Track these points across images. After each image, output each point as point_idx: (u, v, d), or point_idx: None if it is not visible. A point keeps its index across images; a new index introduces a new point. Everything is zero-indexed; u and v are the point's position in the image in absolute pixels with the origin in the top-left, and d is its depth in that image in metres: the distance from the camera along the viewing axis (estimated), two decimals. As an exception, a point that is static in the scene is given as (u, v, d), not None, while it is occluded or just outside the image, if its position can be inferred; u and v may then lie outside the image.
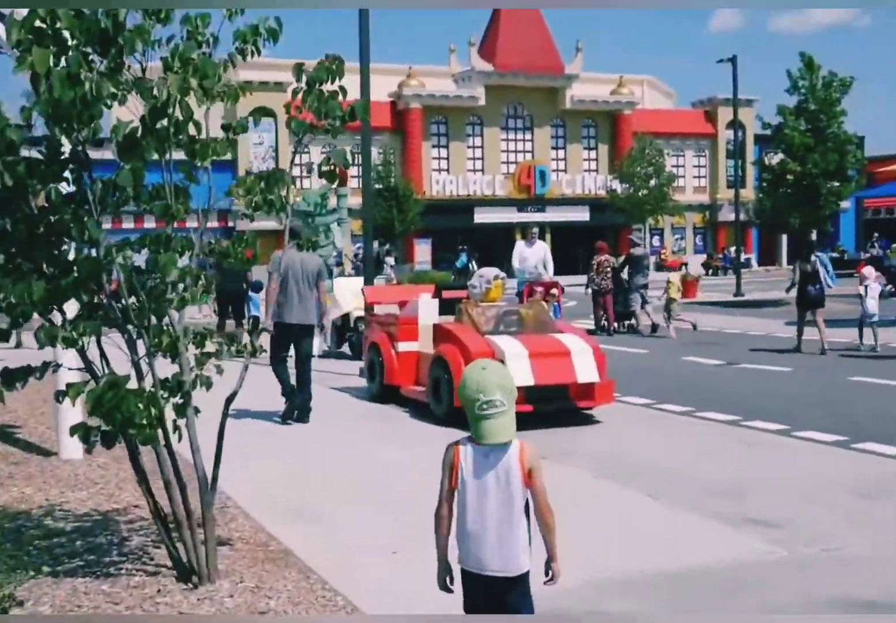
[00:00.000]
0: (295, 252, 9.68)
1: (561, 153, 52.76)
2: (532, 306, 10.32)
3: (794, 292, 15.66)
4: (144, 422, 4.55)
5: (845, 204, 31.11)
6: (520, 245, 17.73)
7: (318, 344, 15.81)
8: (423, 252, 48.09)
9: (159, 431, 4.67)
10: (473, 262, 41.35)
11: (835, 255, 45.22)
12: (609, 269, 19.11)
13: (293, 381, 9.98)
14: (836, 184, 26.66)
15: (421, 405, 10.00)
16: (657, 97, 63.50)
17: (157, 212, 4.67)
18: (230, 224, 45.44)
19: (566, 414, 9.46)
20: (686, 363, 14.25)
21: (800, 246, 16.89)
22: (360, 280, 15.72)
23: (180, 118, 4.43)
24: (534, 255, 17.11)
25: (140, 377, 4.72)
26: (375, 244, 43.19)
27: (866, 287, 15.31)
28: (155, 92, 4.43)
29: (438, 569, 3.38)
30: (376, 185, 43.39)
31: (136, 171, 4.53)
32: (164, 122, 4.43)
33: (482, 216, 50.15)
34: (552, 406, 9.31)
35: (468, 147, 50.75)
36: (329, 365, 14.50)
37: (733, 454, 7.96)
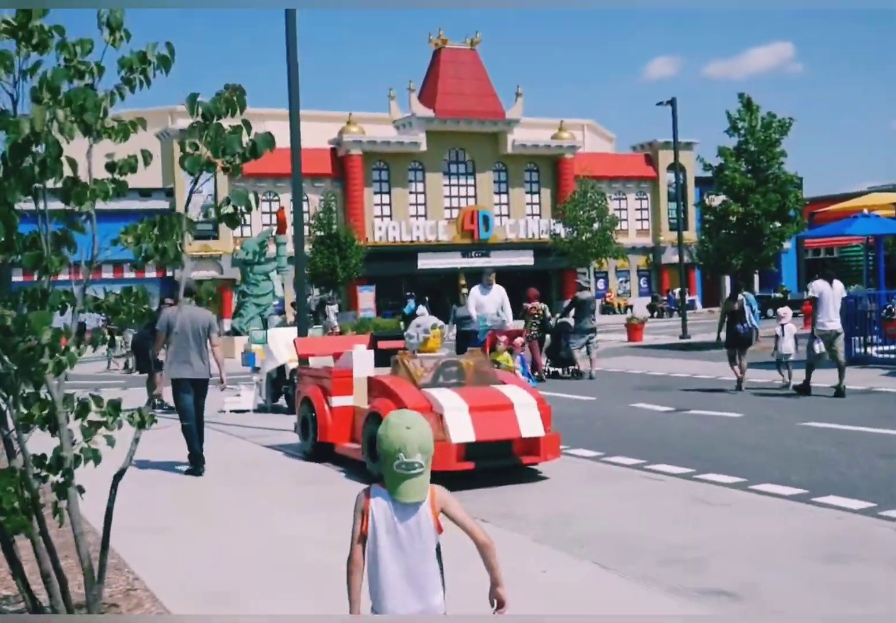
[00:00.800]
0: (184, 308, 9.77)
1: (504, 198, 52.71)
2: (473, 356, 9.77)
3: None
4: (15, 506, 3.92)
5: (787, 244, 31.07)
6: (475, 291, 16.48)
7: (252, 398, 15.16)
8: (366, 299, 47.53)
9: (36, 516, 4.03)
10: (424, 308, 40.88)
11: (778, 295, 45.40)
12: (538, 316, 18.69)
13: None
14: (779, 224, 26.59)
15: (357, 464, 9.38)
16: (598, 141, 64.06)
17: (27, 263, 4.08)
18: (169, 274, 44.58)
19: (510, 471, 8.90)
20: (635, 410, 13.78)
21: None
22: (294, 331, 15.14)
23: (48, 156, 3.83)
24: (491, 302, 16.10)
25: (10, 455, 4.09)
26: (316, 292, 42.62)
27: (783, 327, 15.76)
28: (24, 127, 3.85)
29: (351, 611, 3.32)
30: (318, 233, 42.92)
31: (3, 217, 3.94)
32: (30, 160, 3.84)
33: (426, 262, 49.79)
34: (495, 462, 8.74)
35: (410, 193, 50.48)
36: (263, 420, 13.84)
37: (688, 514, 7.43)
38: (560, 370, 19.46)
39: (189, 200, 4.35)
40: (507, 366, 13.77)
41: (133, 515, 7.49)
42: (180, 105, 42.14)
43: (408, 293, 40.07)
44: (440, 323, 9.85)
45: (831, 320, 14.36)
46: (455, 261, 50.39)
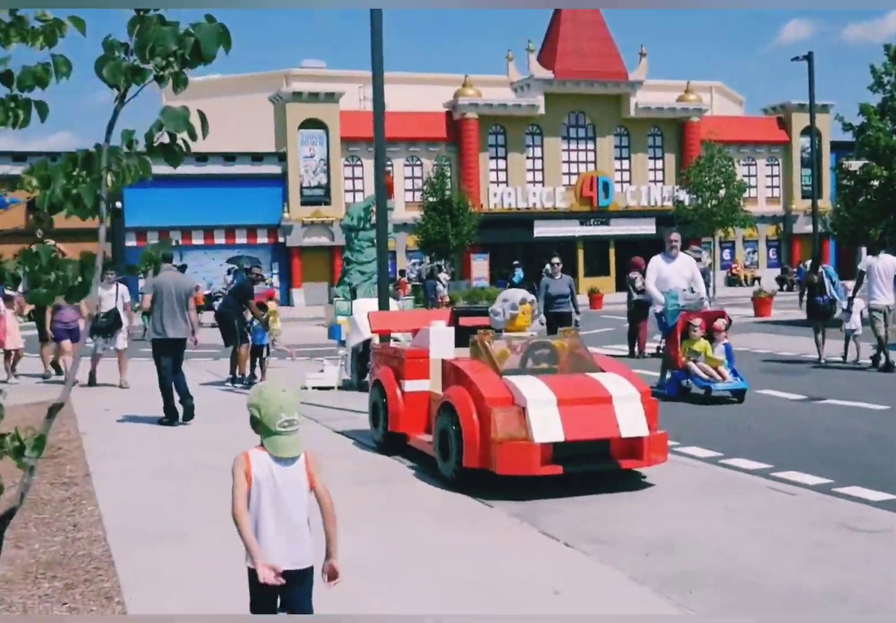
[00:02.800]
0: (168, 273, 10.97)
1: (625, 163, 50.45)
2: (567, 337, 8.29)
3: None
4: None
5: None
6: (656, 261, 13.08)
7: (336, 374, 13.99)
8: (480, 268, 46.19)
9: None
10: (519, 273, 39.15)
11: None
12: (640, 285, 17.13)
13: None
14: (927, 190, 24.15)
15: (432, 460, 8.06)
16: (726, 104, 60.97)
17: None
18: (280, 239, 44.04)
19: (605, 476, 7.44)
20: (760, 398, 12.07)
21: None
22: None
23: None
24: (677, 274, 12.87)
25: None
26: (427, 259, 41.45)
27: (850, 301, 15.52)
28: None
29: (256, 557, 3.53)
30: (430, 198, 41.65)
31: None
32: None
33: (542, 230, 48.06)
34: (587, 467, 7.30)
35: (527, 158, 48.71)
36: (344, 399, 12.62)
37: (828, 545, 5.85)
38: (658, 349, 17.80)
39: (112, 127, 3.00)
40: (709, 357, 12.04)
41: (148, 519, 6.41)
42: (296, 68, 41.26)
43: (515, 262, 38.54)
44: (530, 297, 8.40)
45: (882, 295, 14.44)
46: (573, 229, 48.53)
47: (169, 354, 10.83)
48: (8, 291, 15.23)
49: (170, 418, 10.85)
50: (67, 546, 6.16)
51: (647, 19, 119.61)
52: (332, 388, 13.83)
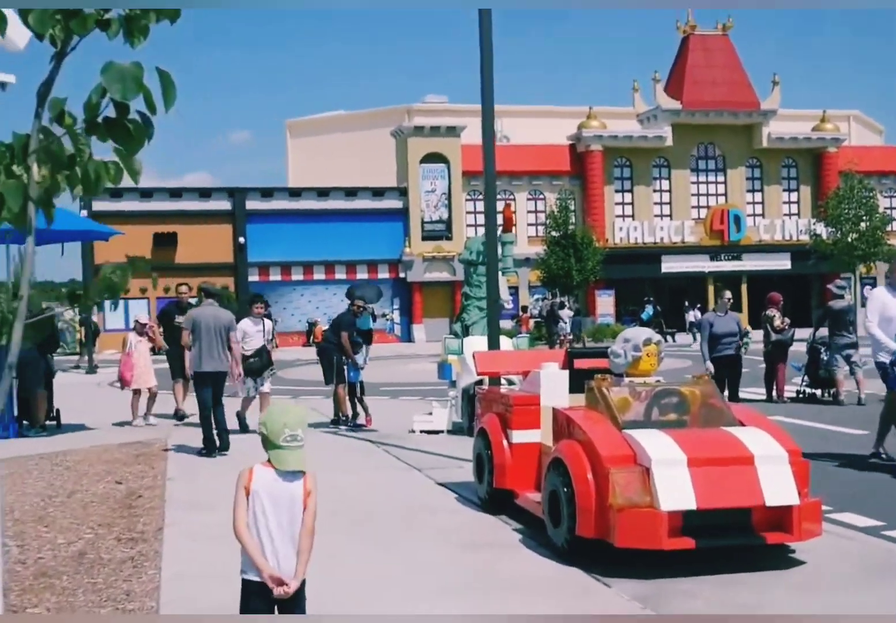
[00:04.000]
0: (207, 308, 11.36)
1: (757, 196, 48.60)
2: (700, 384, 7.15)
3: None
4: None
5: None
6: (881, 295, 10.47)
7: (445, 417, 13.05)
8: (605, 304, 44.86)
9: None
10: (650, 310, 37.62)
11: None
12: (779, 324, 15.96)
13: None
14: None
15: (542, 522, 7.01)
16: (865, 133, 58.46)
17: None
18: (401, 274, 43.61)
19: (744, 552, 6.26)
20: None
21: None
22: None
23: None
24: None
25: None
26: (549, 296, 40.35)
27: None
28: None
29: (263, 569, 3.76)
30: (553, 233, 40.67)
31: None
32: None
33: (670, 265, 46.52)
34: (724, 541, 6.13)
35: (654, 191, 47.38)
36: (452, 446, 11.66)
37: None
38: (818, 392, 16.28)
39: (44, 97, 2.11)
40: None
41: (211, 593, 5.54)
42: (418, 103, 41.16)
43: (646, 298, 37.11)
44: (656, 337, 7.29)
45: None
46: (702, 264, 46.86)
47: (209, 387, 11.07)
48: (141, 320, 14.52)
49: (208, 450, 10.99)
50: (112, 620, 5.35)
51: (779, 44, 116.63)
52: (441, 432, 12.90)
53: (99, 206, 40.17)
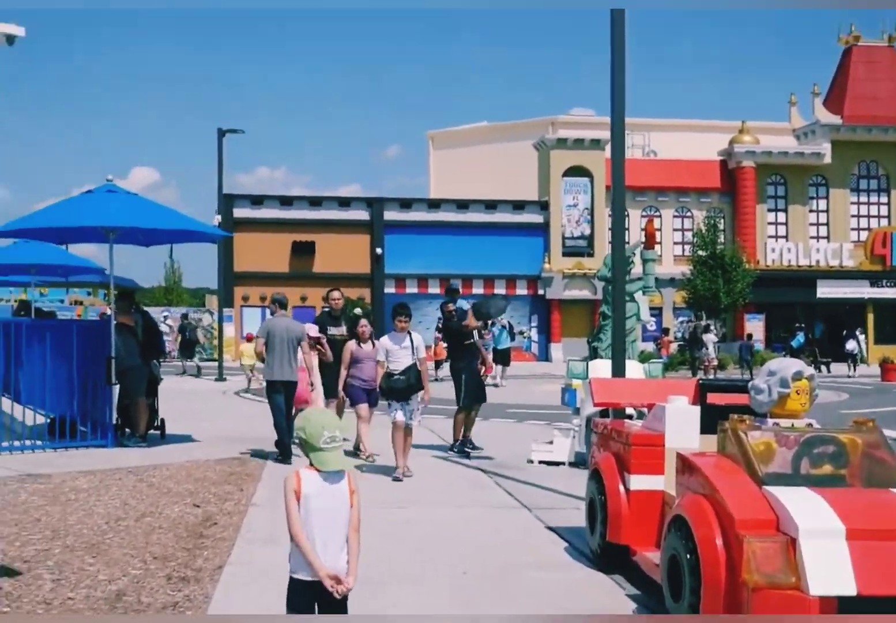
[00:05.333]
0: (281, 319, 11.57)
1: (924, 218, 45.50)
2: (863, 430, 5.82)
3: None
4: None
5: None
6: None
7: (567, 447, 11.88)
8: (754, 329, 42.57)
9: None
10: (800, 338, 35.33)
11: None
12: None
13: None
14: None
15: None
16: None
17: None
18: (540, 291, 42.47)
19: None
20: None
21: None
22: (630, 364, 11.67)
23: None
24: None
25: None
26: (695, 318, 38.45)
27: None
28: None
29: (320, 569, 3.84)
30: (700, 252, 38.82)
31: None
32: None
33: (826, 290, 43.89)
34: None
35: (810, 211, 44.85)
36: (574, 481, 10.44)
37: None
38: None
39: None
40: None
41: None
42: (563, 116, 39.94)
43: (797, 324, 34.88)
44: (809, 370, 6.01)
45: None
46: (862, 290, 44.08)
47: (281, 395, 11.36)
48: (311, 333, 12.05)
49: (283, 456, 11.18)
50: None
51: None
52: (562, 463, 11.73)
53: (239, 213, 40.44)
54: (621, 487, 6.57)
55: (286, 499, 3.92)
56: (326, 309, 13.03)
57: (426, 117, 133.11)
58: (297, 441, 3.99)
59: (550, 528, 8.09)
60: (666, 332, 37.22)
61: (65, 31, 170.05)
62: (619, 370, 9.03)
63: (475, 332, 12.87)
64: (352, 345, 11.45)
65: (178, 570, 6.37)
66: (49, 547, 6.73)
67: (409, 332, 10.58)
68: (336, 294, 12.70)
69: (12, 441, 11.64)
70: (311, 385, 11.86)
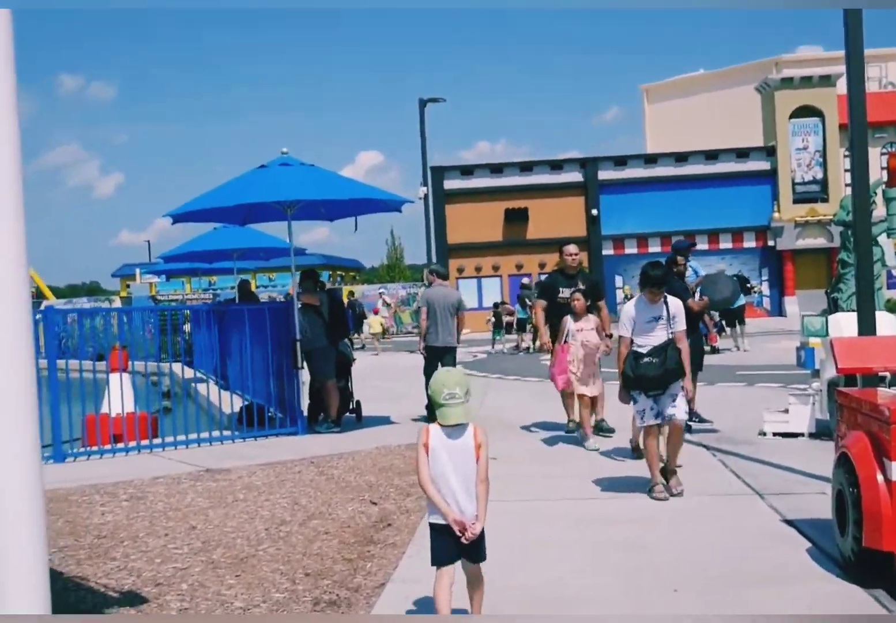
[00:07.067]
0: (439, 288, 12.14)
1: None
2: None
3: None
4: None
5: None
6: None
7: (807, 415, 10.20)
8: None
9: None
10: None
11: None
12: None
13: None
14: None
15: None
16: None
17: None
18: (770, 243, 39.61)
19: None
20: None
21: None
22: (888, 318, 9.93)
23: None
24: None
25: None
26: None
27: None
28: None
29: (448, 514, 4.19)
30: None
31: None
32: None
33: None
34: None
35: None
36: (817, 455, 8.85)
37: None
38: None
39: None
40: None
41: None
42: (787, 55, 36.80)
43: None
44: None
45: None
46: None
47: (438, 360, 11.62)
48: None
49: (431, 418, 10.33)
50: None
51: None
52: (801, 435, 10.07)
53: (450, 184, 39.77)
54: (880, 478, 5.03)
55: (418, 451, 4.28)
56: (558, 268, 11.38)
57: (641, 71, 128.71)
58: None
59: (788, 522, 6.58)
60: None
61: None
62: (866, 325, 7.34)
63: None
64: (567, 320, 10.02)
65: (331, 590, 5.35)
66: (191, 564, 5.87)
67: (665, 297, 7.68)
68: (572, 247, 10.71)
69: (199, 433, 11.10)
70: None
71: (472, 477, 4.22)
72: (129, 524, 6.97)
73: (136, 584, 5.49)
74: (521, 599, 5.07)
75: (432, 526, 4.28)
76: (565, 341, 9.91)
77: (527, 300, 26.16)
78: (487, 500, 4.26)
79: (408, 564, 5.80)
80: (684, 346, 7.57)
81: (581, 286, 10.33)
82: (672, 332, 7.54)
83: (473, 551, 4.26)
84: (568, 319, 9.98)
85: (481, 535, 4.24)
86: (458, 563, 4.31)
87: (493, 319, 27.73)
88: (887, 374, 7.97)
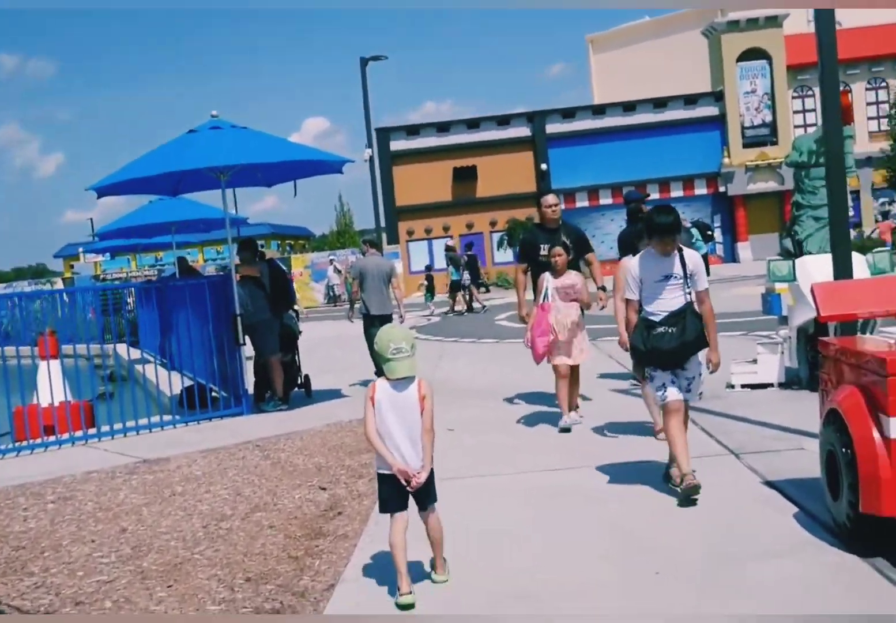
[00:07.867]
0: (372, 257, 12.52)
1: None
2: None
3: None
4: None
5: None
6: None
7: (775, 365, 9.74)
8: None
9: None
10: None
11: None
12: None
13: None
14: None
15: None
16: None
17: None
18: (721, 188, 39.27)
19: None
20: None
21: None
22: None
23: None
24: None
25: None
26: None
27: None
28: None
29: (393, 464, 4.38)
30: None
31: None
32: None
33: None
34: None
35: None
36: (789, 406, 8.43)
37: None
38: None
39: None
40: None
41: None
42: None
43: None
44: None
45: None
46: None
47: (377, 327, 10.41)
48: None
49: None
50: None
51: None
52: (770, 385, 9.62)
53: (396, 145, 38.92)
54: (877, 436, 4.52)
55: (365, 405, 4.43)
56: (536, 223, 10.18)
57: (588, 23, 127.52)
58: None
59: (769, 484, 6.09)
60: (885, 215, 33.59)
61: None
62: (842, 268, 6.81)
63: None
64: (546, 277, 8.61)
65: (274, 596, 4.76)
66: (117, 575, 5.23)
67: (680, 249, 6.22)
68: (551, 198, 9.34)
69: (138, 420, 10.37)
70: (401, 318, 12.29)
71: (417, 428, 4.39)
72: (52, 530, 6.32)
73: (53, 603, 4.85)
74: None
75: (379, 476, 4.47)
76: (544, 300, 8.51)
77: (457, 261, 26.22)
78: (433, 448, 4.44)
79: (360, 559, 5.21)
80: (707, 308, 6.19)
81: (566, 240, 8.80)
82: (690, 293, 6.14)
83: (423, 496, 4.49)
84: (546, 276, 8.58)
85: (429, 481, 4.46)
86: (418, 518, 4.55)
87: (425, 283, 27.36)
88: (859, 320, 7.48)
